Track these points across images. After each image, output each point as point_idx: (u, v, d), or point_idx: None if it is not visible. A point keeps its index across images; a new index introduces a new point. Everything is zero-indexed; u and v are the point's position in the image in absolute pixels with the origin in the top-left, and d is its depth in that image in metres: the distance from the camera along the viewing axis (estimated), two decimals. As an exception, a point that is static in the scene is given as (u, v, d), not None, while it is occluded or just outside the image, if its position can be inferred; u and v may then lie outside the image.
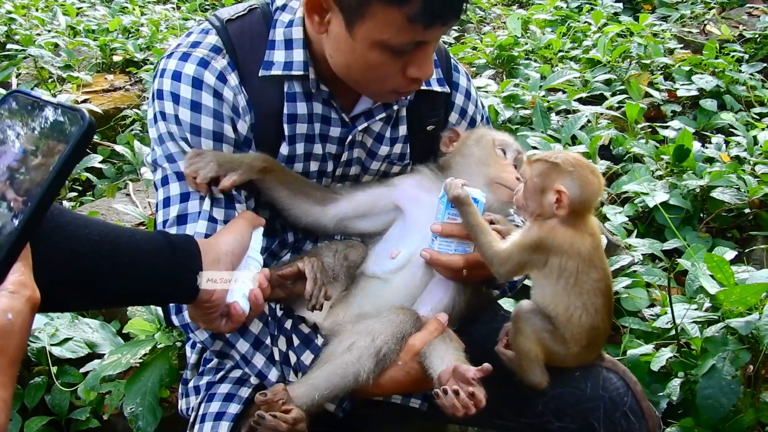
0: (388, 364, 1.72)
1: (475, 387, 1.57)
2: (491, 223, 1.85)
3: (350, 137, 1.86)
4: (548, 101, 4.36)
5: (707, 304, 2.43)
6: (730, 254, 2.83)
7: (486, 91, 4.47)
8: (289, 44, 1.75)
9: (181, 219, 1.69)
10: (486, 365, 1.60)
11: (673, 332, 2.44)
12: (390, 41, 1.56)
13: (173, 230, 1.69)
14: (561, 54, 5.56)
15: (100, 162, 4.26)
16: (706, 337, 2.29)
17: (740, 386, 2.21)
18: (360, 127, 1.86)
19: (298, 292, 1.75)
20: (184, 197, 1.70)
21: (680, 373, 2.38)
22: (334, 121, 1.84)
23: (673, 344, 2.44)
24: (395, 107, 1.91)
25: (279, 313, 1.77)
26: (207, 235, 1.66)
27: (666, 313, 2.49)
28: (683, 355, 2.40)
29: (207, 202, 1.69)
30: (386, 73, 1.65)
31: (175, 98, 1.68)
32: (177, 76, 1.69)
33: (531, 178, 1.72)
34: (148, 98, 1.79)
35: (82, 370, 2.50)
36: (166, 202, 1.72)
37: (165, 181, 1.73)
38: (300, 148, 1.82)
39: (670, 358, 2.39)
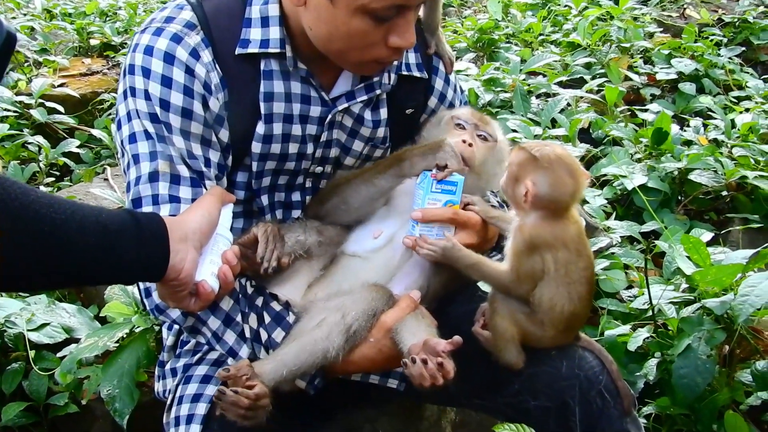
0: (358, 341, 1.71)
1: (444, 359, 1.57)
2: (467, 205, 1.85)
3: (330, 117, 1.84)
4: (528, 85, 4.37)
5: (684, 285, 2.46)
6: (707, 236, 2.86)
7: (466, 75, 4.46)
8: (265, 21, 1.74)
9: (148, 200, 1.68)
10: (456, 338, 1.60)
11: (650, 313, 2.46)
12: (371, 5, 1.56)
13: (148, 210, 1.66)
14: (541, 37, 5.55)
15: (77, 147, 4.22)
16: (682, 318, 2.31)
17: (715, 366, 2.24)
18: (341, 107, 1.85)
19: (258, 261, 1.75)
20: (153, 177, 1.68)
21: (657, 353, 2.40)
22: (314, 100, 1.82)
23: (649, 325, 2.46)
24: (377, 91, 1.90)
25: (250, 290, 1.77)
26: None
27: (643, 294, 2.51)
28: (660, 336, 2.42)
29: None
30: (368, 41, 1.64)
31: (146, 73, 1.66)
32: (149, 51, 1.67)
33: (511, 165, 1.73)
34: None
35: (59, 355, 2.48)
36: (136, 181, 1.70)
37: (128, 165, 1.72)
38: (278, 128, 1.80)
39: (647, 338, 2.41)
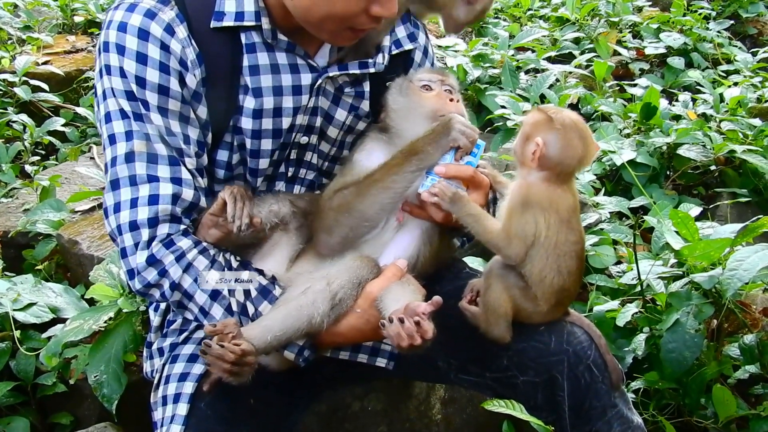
0: (344, 310, 1.70)
1: (423, 319, 1.54)
2: (477, 167, 1.84)
3: (319, 81, 1.81)
4: (517, 60, 4.35)
5: (672, 260, 2.46)
6: (696, 210, 2.86)
7: (455, 51, 4.44)
8: None
9: (126, 181, 1.67)
10: (436, 298, 1.58)
11: (638, 288, 2.46)
12: None
13: (126, 191, 1.66)
14: (530, 12, 5.54)
15: (62, 125, 4.18)
16: (671, 292, 2.32)
17: (703, 340, 2.25)
18: (331, 73, 1.82)
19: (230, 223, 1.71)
20: (129, 157, 1.66)
21: (645, 328, 2.41)
22: (302, 68, 1.79)
23: (638, 300, 2.46)
24: (371, 70, 1.87)
25: (235, 264, 1.75)
26: (154, 197, 1.65)
27: (632, 269, 2.51)
28: (648, 311, 2.42)
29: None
30: (350, 12, 1.61)
31: (120, 50, 1.64)
32: (123, 27, 1.64)
33: (525, 124, 1.76)
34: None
35: (45, 335, 2.47)
36: (112, 162, 1.68)
37: (105, 146, 1.70)
38: (268, 102, 1.77)
39: (636, 313, 2.42)
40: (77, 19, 5.64)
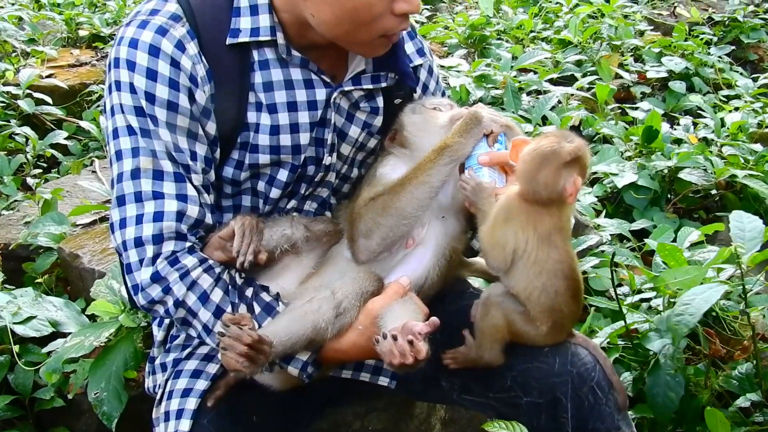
0: (348, 321, 1.70)
1: (417, 338, 1.54)
2: None
3: (334, 95, 1.82)
4: (519, 81, 4.37)
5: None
6: (695, 235, 2.86)
7: (458, 71, 4.46)
8: (254, 10, 1.72)
9: (131, 197, 1.67)
10: (434, 319, 1.58)
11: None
12: None
13: (131, 207, 1.66)
14: (532, 34, 5.56)
15: (65, 138, 4.19)
16: (644, 336, 2.32)
17: (684, 378, 2.24)
18: (346, 87, 1.83)
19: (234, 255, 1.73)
20: (135, 174, 1.67)
21: (633, 364, 2.41)
22: (317, 83, 1.80)
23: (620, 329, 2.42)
24: (382, 84, 1.89)
25: (239, 281, 1.75)
26: (159, 213, 1.65)
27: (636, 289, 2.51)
28: (633, 345, 2.43)
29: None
30: (375, 13, 1.62)
31: (131, 66, 1.64)
32: (134, 44, 1.65)
33: (542, 135, 1.74)
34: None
35: (45, 350, 2.45)
36: (119, 178, 1.69)
37: (111, 162, 1.71)
38: (284, 118, 1.78)
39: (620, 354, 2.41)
40: (82, 33, 5.67)
